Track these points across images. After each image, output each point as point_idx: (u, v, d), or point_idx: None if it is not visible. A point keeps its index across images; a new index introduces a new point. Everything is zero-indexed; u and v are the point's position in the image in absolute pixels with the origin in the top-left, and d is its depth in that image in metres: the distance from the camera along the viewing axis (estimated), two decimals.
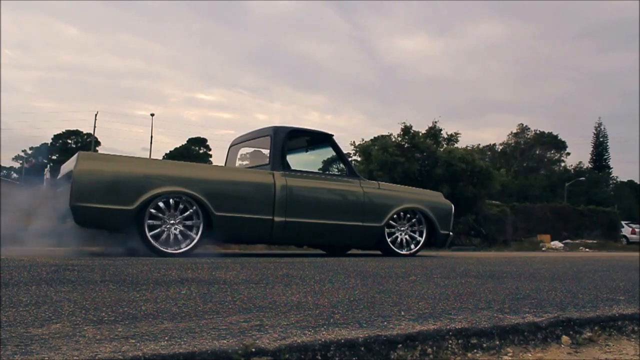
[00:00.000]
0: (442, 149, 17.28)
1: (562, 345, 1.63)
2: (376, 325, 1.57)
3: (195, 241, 4.80)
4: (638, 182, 47.41)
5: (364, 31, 77.88)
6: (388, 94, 76.11)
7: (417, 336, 1.45)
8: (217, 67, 77.38)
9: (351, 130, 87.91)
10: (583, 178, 40.52)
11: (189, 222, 4.84)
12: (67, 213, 4.65)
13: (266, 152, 5.92)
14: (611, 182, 48.51)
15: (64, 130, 48.15)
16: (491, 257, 7.39)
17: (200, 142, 51.66)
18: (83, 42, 70.02)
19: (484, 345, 1.52)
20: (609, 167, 50.31)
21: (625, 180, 49.00)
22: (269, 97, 79.38)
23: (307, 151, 6.49)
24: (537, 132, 47.56)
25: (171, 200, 4.76)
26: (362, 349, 1.36)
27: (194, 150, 50.71)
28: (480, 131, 71.48)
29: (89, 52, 70.07)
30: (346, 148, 18.01)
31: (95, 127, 38.96)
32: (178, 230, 4.78)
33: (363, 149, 17.37)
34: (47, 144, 47.07)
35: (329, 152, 6.53)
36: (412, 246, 6.16)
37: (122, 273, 2.92)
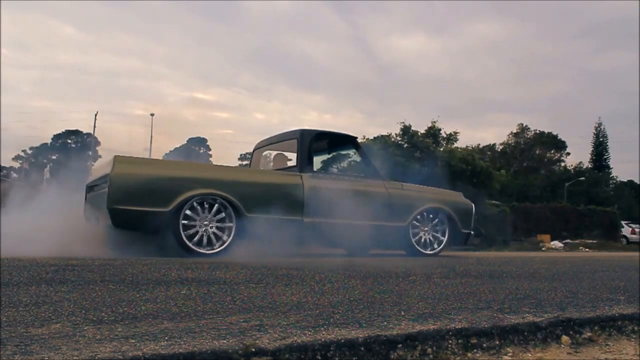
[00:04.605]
0: (441, 149, 17.31)
1: (562, 345, 1.63)
2: (376, 325, 1.57)
3: (227, 242, 4.94)
4: (638, 182, 47.40)
5: (362, 30, 77.89)
6: (387, 93, 76.07)
7: (417, 336, 1.45)
8: (216, 66, 77.39)
9: (350, 129, 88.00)
10: (583, 178, 40.50)
11: (221, 224, 4.98)
12: (104, 215, 4.75)
13: (290, 154, 6.09)
14: (611, 182, 48.47)
15: (63, 130, 48.16)
16: (491, 257, 7.40)
17: (200, 141, 51.64)
18: (80, 42, 69.98)
19: (484, 345, 1.52)
20: (609, 167, 50.28)
21: (625, 180, 48.96)
22: (267, 97, 79.44)
23: (332, 153, 6.62)
24: (537, 132, 47.56)
25: (202, 202, 4.90)
26: (362, 349, 1.36)
27: (194, 150, 50.69)
28: (480, 131, 71.53)
29: (87, 52, 70.03)
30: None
31: (95, 126, 38.96)
32: (211, 231, 4.92)
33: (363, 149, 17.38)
34: (47, 144, 47.05)
35: (353, 154, 6.63)
36: (435, 245, 6.29)
37: (122, 273, 2.92)
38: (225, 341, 1.31)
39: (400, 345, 1.41)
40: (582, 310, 1.94)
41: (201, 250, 4.81)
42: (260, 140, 6.92)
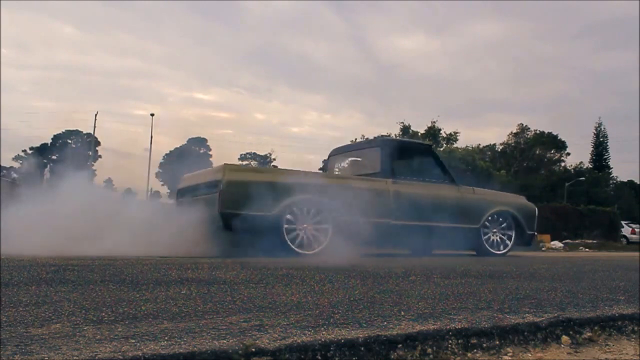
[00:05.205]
0: (441, 149, 17.32)
1: (562, 345, 1.63)
2: (376, 325, 1.57)
3: (325, 243, 5.35)
4: (638, 182, 47.39)
5: (362, 30, 77.83)
6: (386, 93, 75.88)
7: (417, 336, 1.45)
8: (215, 66, 77.26)
9: (350, 129, 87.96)
10: (583, 178, 40.48)
11: (319, 226, 5.41)
12: (211, 218, 5.13)
13: (366, 161, 6.66)
14: (611, 182, 48.46)
15: (63, 130, 48.15)
16: (491, 257, 7.41)
17: (200, 142, 51.60)
18: (80, 41, 69.85)
19: (484, 345, 1.52)
20: (609, 167, 50.28)
21: (625, 180, 48.96)
22: (267, 97, 79.33)
23: (410, 160, 7.06)
24: (537, 132, 47.51)
25: (303, 207, 5.34)
26: (362, 349, 1.36)
27: (194, 150, 50.66)
28: (480, 131, 71.41)
29: (86, 52, 69.92)
30: None
31: (95, 127, 38.92)
32: (310, 233, 5.35)
33: None
34: (47, 144, 47.02)
35: (429, 160, 7.03)
36: (507, 242, 6.75)
37: (122, 273, 2.93)
38: (225, 341, 1.31)
39: (400, 345, 1.41)
40: (582, 310, 1.94)
41: (301, 251, 5.18)
42: (336, 147, 7.48)
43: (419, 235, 5.91)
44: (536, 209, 7.20)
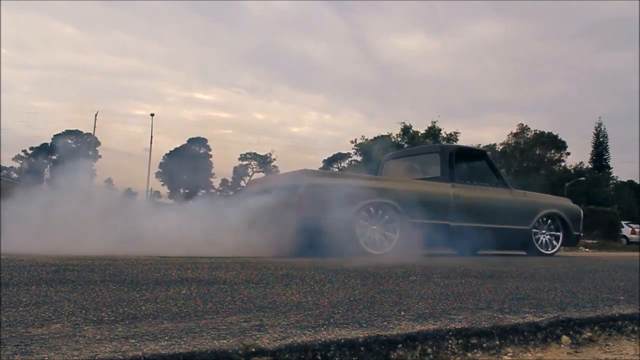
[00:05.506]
0: None
1: (562, 345, 1.63)
2: (376, 325, 1.57)
3: (394, 243, 5.58)
4: (638, 182, 47.37)
5: (362, 30, 77.90)
6: (386, 93, 76.07)
7: (417, 336, 1.45)
8: (215, 66, 77.32)
9: (350, 129, 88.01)
10: (583, 178, 40.49)
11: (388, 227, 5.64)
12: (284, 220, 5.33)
13: (425, 166, 6.97)
14: (611, 182, 48.45)
15: (63, 130, 48.11)
16: (491, 257, 7.41)
17: (200, 142, 51.58)
18: (80, 41, 69.89)
19: (484, 345, 1.52)
20: (609, 167, 50.29)
21: (625, 180, 48.97)
22: (267, 97, 79.38)
23: (467, 165, 7.44)
24: (537, 132, 47.49)
25: (374, 209, 5.56)
26: (362, 349, 1.36)
27: (194, 150, 50.65)
28: (480, 131, 71.47)
29: (86, 52, 69.97)
30: (346, 147, 18.02)
31: (95, 127, 38.88)
32: (380, 234, 5.58)
33: (364, 149, 17.40)
34: (47, 144, 46.99)
35: (484, 165, 7.36)
36: (555, 243, 7.12)
37: (122, 273, 2.92)
38: (225, 341, 1.31)
39: (400, 345, 1.41)
40: (582, 310, 1.94)
41: (372, 251, 5.39)
42: (394, 151, 7.89)
43: (475, 237, 6.13)
44: (581, 210, 7.54)
